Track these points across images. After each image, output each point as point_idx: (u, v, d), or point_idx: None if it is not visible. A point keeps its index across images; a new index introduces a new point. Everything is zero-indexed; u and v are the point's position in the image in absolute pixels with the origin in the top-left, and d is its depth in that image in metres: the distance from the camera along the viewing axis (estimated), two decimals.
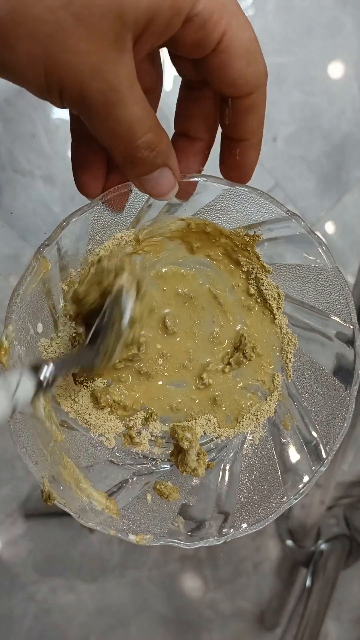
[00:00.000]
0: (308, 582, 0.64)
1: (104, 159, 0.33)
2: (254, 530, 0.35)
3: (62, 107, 0.26)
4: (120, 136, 0.26)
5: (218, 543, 0.35)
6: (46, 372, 0.26)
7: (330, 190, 0.84)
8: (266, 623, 0.66)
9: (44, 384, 0.26)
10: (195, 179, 0.33)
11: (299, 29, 0.83)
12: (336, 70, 0.84)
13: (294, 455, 0.37)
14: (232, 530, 0.35)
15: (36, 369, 0.26)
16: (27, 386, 0.25)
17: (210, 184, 0.33)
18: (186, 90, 0.31)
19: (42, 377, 0.26)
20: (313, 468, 0.35)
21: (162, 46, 0.28)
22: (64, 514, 0.33)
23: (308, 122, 0.84)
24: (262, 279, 0.37)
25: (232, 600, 0.67)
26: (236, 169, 0.32)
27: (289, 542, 0.67)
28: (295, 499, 0.35)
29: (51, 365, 0.27)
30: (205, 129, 0.32)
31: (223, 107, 0.30)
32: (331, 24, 0.84)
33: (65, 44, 0.22)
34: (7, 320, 0.31)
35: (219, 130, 0.32)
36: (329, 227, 0.83)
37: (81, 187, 0.33)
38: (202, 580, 0.67)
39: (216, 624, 0.66)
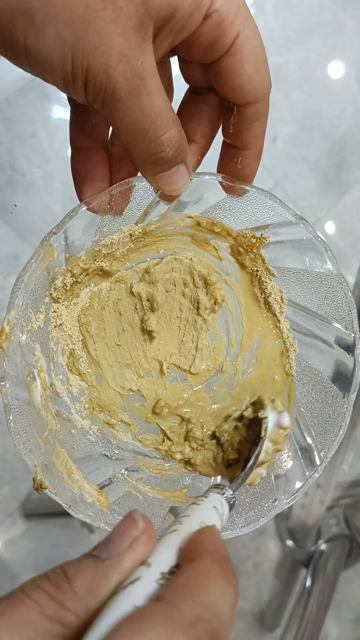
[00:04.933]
0: (308, 583, 0.65)
1: (106, 170, 0.32)
2: (244, 533, 0.35)
3: (85, 98, 0.25)
4: (144, 129, 0.25)
5: None
6: (231, 496, 0.28)
7: (330, 190, 0.84)
8: (266, 623, 0.66)
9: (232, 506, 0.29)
10: (207, 177, 0.32)
11: (299, 29, 0.83)
12: (336, 70, 0.84)
13: (287, 461, 0.37)
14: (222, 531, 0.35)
15: (218, 487, 0.29)
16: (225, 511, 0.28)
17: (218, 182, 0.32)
18: (190, 94, 0.31)
19: (231, 501, 0.28)
20: (306, 474, 0.35)
21: (175, 53, 0.28)
22: (64, 514, 0.32)
23: (308, 122, 0.84)
24: (266, 282, 0.37)
25: None
26: (237, 177, 0.32)
27: (289, 542, 0.67)
28: (287, 503, 0.34)
29: (231, 490, 0.29)
30: (202, 133, 0.32)
31: (228, 115, 0.30)
32: (331, 23, 0.84)
33: (95, 26, 0.22)
34: (10, 306, 0.31)
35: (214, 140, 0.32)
36: (329, 227, 0.83)
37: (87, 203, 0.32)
38: None
39: None
